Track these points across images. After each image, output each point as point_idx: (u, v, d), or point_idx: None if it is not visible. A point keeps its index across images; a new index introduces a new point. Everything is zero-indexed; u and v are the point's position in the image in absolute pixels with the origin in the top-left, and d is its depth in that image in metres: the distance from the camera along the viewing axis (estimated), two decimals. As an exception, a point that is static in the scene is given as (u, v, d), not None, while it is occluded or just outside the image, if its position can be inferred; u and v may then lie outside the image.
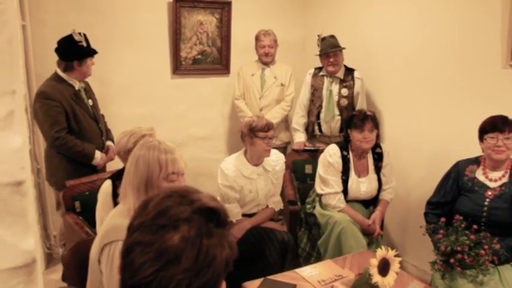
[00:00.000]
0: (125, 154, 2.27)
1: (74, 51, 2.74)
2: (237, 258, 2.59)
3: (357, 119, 2.72)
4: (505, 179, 2.31)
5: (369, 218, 2.77)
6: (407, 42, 3.23)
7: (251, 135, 2.62)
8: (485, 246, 2.08)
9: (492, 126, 2.28)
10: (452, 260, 2.10)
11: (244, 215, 2.75)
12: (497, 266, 2.15)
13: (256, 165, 2.73)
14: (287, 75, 3.63)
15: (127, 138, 2.31)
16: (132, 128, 2.38)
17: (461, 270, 2.12)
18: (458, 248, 2.09)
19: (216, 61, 3.92)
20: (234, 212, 2.69)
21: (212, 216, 0.80)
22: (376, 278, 1.77)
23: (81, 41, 2.74)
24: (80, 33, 2.76)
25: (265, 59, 3.58)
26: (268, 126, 2.63)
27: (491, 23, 2.69)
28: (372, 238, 2.72)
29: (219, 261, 0.77)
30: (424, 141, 3.18)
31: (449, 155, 2.63)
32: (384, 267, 1.80)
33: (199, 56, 3.84)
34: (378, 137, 2.81)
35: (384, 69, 3.43)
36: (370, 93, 3.50)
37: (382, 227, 2.80)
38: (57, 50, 2.76)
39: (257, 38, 3.59)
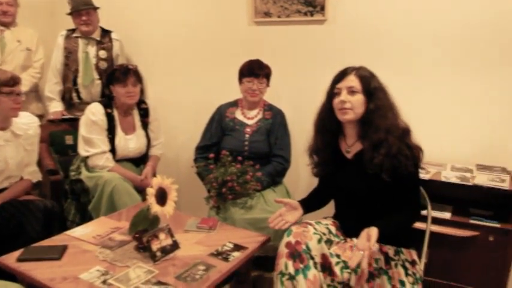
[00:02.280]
0: None
1: None
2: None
3: (119, 72, 2.59)
4: (259, 116, 2.58)
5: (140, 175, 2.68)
6: (164, 6, 3.26)
7: (-7, 92, 2.19)
8: (250, 173, 2.26)
9: (249, 71, 2.50)
10: (224, 190, 2.21)
11: (-8, 192, 2.29)
12: (261, 191, 2.37)
13: (3, 129, 2.29)
14: (33, 40, 3.21)
15: None
16: None
17: (233, 200, 2.25)
18: (228, 178, 2.21)
19: None
20: (-23, 187, 2.21)
21: None
22: (155, 207, 1.69)
23: None
24: None
25: (4, 19, 3.06)
26: (14, 80, 2.23)
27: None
28: (146, 194, 2.63)
29: None
30: (189, 99, 3.30)
31: (213, 109, 2.75)
32: (162, 197, 1.75)
33: None
34: (142, 92, 2.73)
35: (144, 32, 3.39)
36: (132, 56, 3.40)
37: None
38: None
39: (-9, -4, 3.05)
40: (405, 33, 2.57)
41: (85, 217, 2.60)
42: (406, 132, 1.76)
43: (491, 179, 2.19)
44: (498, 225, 2.11)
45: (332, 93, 1.82)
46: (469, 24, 2.41)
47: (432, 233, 1.99)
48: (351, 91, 1.75)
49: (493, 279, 2.14)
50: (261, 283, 2.37)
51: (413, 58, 2.57)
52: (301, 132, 2.77)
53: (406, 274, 1.73)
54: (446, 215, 2.22)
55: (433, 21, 2.50)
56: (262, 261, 2.22)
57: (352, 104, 1.74)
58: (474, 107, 2.48)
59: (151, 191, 1.69)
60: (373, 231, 1.58)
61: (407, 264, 1.75)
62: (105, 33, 3.18)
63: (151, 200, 1.69)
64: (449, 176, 2.25)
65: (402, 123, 1.79)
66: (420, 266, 1.82)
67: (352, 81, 1.76)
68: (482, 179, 2.19)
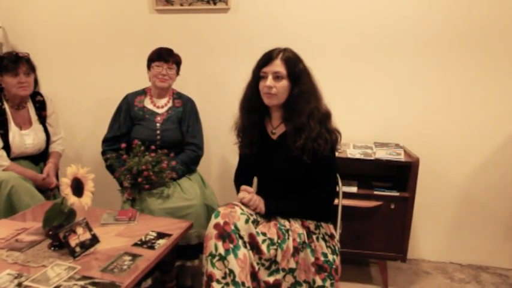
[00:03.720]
0: None
1: None
2: None
3: (8, 61, 2.33)
4: (170, 104, 2.52)
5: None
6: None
7: None
8: (165, 162, 2.20)
9: (158, 56, 2.43)
10: (140, 179, 2.12)
11: None
12: (176, 180, 2.32)
13: None
14: None
15: None
16: None
17: (149, 191, 2.18)
18: (143, 167, 2.13)
19: None
20: None
21: None
22: (72, 199, 1.57)
23: None
24: None
25: None
26: None
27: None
28: (50, 193, 2.43)
29: None
30: (87, 93, 3.12)
31: (115, 103, 2.60)
32: (78, 188, 1.62)
33: None
34: (36, 83, 2.50)
35: (33, 20, 3.10)
36: (19, 45, 3.09)
37: (57, 178, 2.54)
38: None
39: None
40: (306, 24, 2.71)
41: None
42: (326, 116, 1.84)
43: (389, 153, 2.41)
44: (397, 194, 2.34)
45: (258, 76, 1.84)
46: (366, 18, 2.63)
47: (343, 207, 2.13)
48: (277, 76, 1.78)
49: (396, 242, 2.36)
50: (183, 272, 2.33)
51: (317, 48, 2.71)
52: (211, 120, 2.80)
53: (326, 246, 1.83)
54: (353, 189, 2.39)
55: (333, 13, 2.67)
56: (184, 250, 2.18)
57: (277, 89, 1.78)
58: (369, 93, 2.71)
59: (66, 181, 1.57)
60: (261, 208, 1.79)
61: (326, 237, 1.85)
62: (-15, 19, 2.84)
63: (66, 191, 1.56)
64: (354, 153, 2.42)
65: (324, 106, 1.86)
66: (337, 237, 1.93)
67: (278, 65, 1.79)
68: (381, 154, 2.40)
